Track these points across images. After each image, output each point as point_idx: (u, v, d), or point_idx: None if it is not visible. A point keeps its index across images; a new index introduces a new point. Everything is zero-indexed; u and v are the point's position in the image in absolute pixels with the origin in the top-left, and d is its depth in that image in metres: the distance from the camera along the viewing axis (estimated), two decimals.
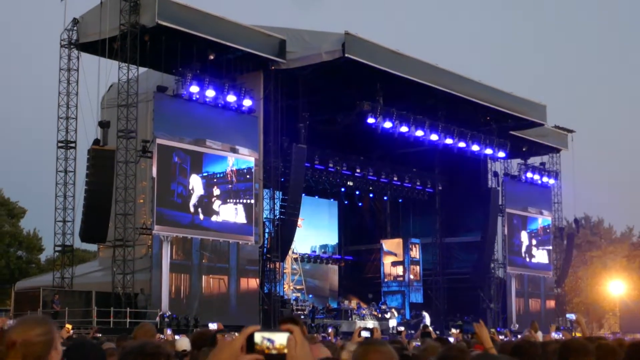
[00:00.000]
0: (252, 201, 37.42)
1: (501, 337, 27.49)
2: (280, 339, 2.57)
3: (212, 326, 21.45)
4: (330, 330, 34.06)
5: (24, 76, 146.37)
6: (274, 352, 2.55)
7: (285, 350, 2.55)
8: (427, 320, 42.26)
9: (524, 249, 52.22)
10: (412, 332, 31.44)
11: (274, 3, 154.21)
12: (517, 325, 46.49)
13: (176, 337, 15.04)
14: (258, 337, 2.57)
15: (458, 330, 35.04)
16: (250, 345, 2.57)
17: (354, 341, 7.87)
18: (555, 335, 28.06)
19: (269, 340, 2.57)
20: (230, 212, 36.68)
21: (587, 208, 78.39)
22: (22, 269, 58.89)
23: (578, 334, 17.28)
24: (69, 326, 20.33)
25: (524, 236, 52.34)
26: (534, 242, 53.05)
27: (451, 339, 16.58)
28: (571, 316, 51.51)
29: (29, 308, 31.50)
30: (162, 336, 13.26)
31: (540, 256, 53.49)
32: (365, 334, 8.37)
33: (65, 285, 34.32)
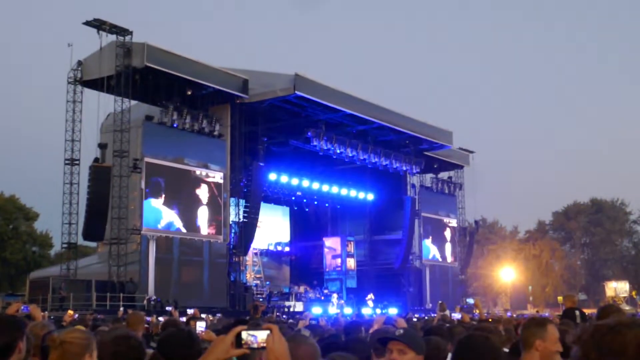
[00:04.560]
0: (221, 208, 37.17)
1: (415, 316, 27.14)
2: (261, 335, 2.59)
3: (190, 311, 21.08)
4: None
5: (39, 107, 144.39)
6: (256, 346, 2.58)
7: (265, 345, 2.57)
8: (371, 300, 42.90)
9: (435, 244, 52.52)
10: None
11: (240, 45, 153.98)
12: (431, 305, 46.72)
13: (160, 319, 14.79)
14: (244, 334, 2.59)
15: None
16: (238, 341, 2.59)
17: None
18: (455, 315, 26.75)
19: (253, 336, 2.59)
20: (204, 217, 36.37)
21: (484, 212, 79.32)
22: (35, 261, 57.95)
23: (477, 312, 17.48)
24: (70, 312, 19.82)
25: (435, 234, 52.67)
26: (442, 239, 53.40)
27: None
28: (470, 300, 51.89)
29: (41, 294, 30.88)
30: (148, 319, 13.03)
31: (448, 250, 53.85)
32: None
33: (71, 275, 33.76)
